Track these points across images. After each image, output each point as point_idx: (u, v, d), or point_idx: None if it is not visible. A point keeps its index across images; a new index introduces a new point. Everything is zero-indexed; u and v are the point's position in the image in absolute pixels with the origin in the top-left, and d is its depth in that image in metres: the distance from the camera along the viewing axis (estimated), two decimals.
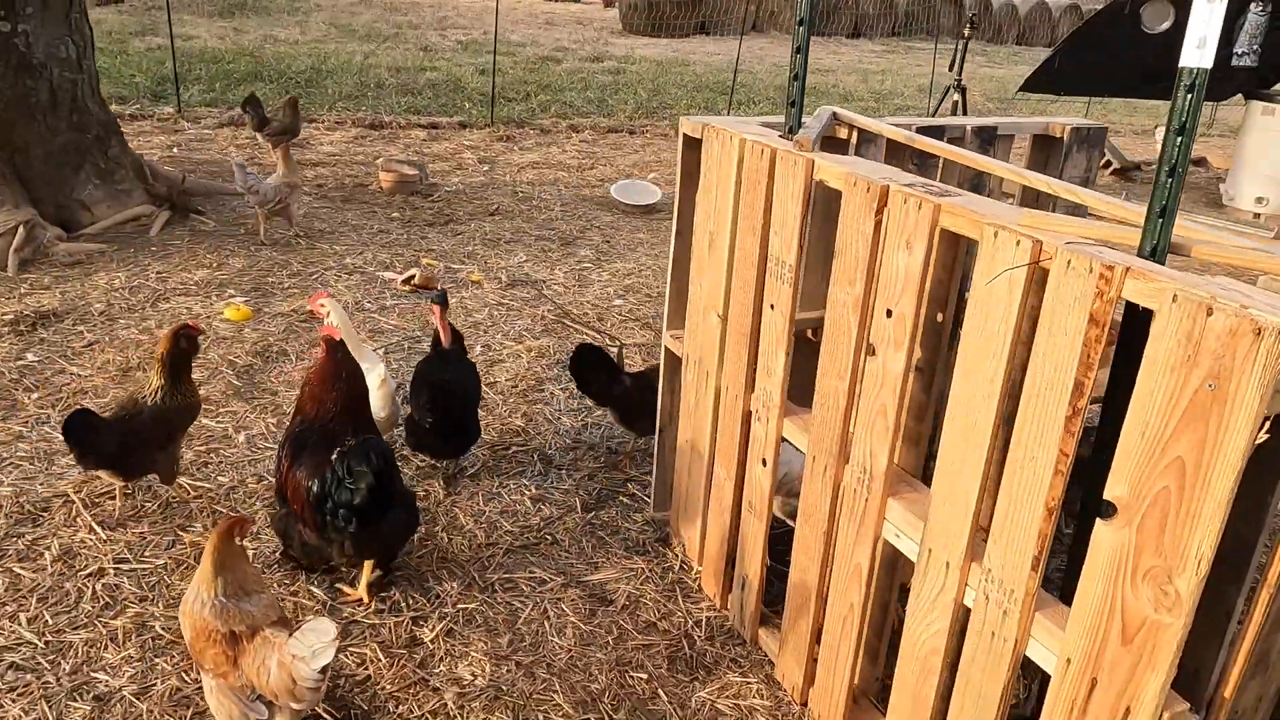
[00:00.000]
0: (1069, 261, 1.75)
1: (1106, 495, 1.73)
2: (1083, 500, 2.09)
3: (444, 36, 19.29)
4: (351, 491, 2.78)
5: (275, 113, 8.22)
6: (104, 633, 2.81)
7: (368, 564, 3.04)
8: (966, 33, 6.65)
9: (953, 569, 2.13)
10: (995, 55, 27.01)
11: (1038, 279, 1.86)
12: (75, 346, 4.54)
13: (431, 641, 2.88)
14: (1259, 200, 9.57)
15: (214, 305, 5.12)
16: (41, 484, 3.46)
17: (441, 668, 2.79)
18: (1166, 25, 8.91)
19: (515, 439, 4.07)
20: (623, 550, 3.39)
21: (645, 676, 2.83)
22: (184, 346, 3.22)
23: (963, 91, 6.44)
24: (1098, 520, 1.76)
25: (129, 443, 3.13)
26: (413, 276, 5.63)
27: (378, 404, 3.54)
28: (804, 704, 2.75)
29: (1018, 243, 1.86)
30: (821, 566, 2.60)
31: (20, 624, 2.82)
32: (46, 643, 2.76)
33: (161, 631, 2.83)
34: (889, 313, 2.23)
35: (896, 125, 2.84)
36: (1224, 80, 10.61)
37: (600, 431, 4.19)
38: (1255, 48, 7.55)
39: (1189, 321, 1.56)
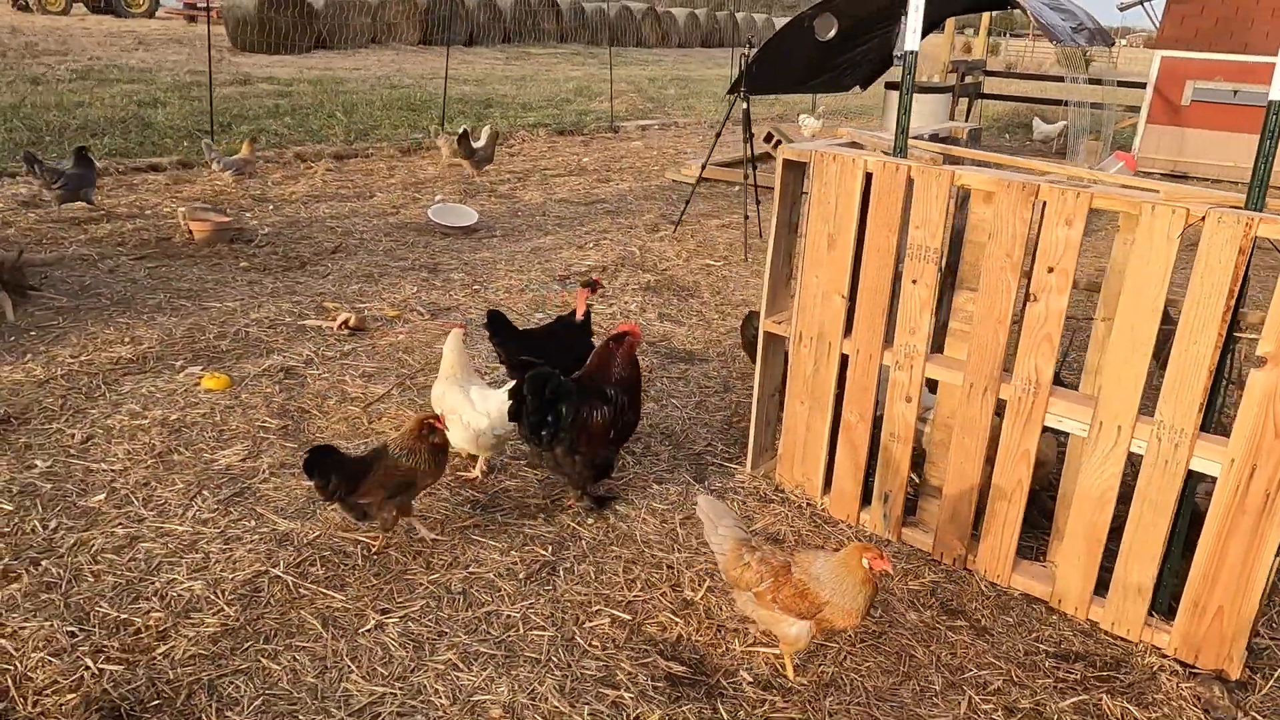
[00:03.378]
0: (1219, 218, 2.90)
1: (1259, 352, 2.92)
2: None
3: (50, 66, 17.06)
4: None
5: (481, 147, 10.17)
6: (440, 669, 3.00)
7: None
8: (747, 50, 7.93)
9: (1124, 430, 3.23)
10: (602, 57, 29.31)
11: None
12: (72, 446, 4.15)
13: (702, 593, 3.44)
14: None
15: (178, 379, 4.83)
16: (225, 572, 3.37)
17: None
18: (832, 34, 11.03)
19: None
20: (756, 502, 4.12)
21: None
22: (431, 439, 3.43)
23: (748, 101, 7.71)
24: (1251, 370, 2.94)
25: (359, 480, 3.32)
26: (348, 320, 5.66)
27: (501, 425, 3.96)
28: (967, 569, 3.74)
29: (1173, 211, 2.98)
30: (981, 463, 3.59)
31: (357, 683, 2.91)
32: (397, 689, 2.90)
33: (489, 652, 3.08)
34: (1050, 269, 3.27)
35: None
36: (844, 77, 13.29)
37: (644, 423, 4.80)
38: None
39: None
